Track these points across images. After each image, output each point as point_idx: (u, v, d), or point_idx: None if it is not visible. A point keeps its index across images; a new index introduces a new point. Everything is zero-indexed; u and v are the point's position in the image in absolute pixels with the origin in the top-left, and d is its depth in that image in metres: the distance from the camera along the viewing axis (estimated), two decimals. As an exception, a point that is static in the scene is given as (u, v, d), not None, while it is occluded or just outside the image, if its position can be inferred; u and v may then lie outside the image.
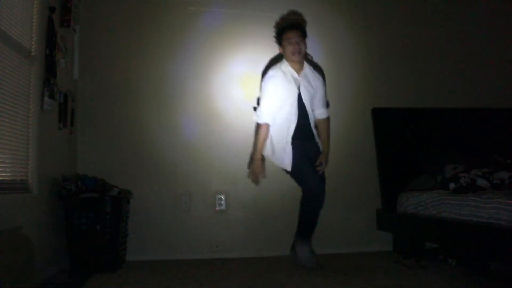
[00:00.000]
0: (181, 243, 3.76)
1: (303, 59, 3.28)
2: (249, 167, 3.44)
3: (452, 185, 3.21)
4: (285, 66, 3.26)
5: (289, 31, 3.20)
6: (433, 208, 3.24)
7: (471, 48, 4.26)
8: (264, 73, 3.47)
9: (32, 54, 2.93)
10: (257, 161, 3.27)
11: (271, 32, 3.91)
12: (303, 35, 3.24)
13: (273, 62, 3.60)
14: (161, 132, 3.82)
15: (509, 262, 2.80)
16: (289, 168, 3.22)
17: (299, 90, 3.24)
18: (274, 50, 3.89)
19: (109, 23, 3.85)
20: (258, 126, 3.32)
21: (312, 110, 3.32)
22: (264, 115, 3.23)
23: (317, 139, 3.36)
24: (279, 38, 3.27)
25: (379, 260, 3.53)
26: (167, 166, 3.80)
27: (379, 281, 2.84)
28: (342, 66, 4.06)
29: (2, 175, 2.58)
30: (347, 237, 3.93)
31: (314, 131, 3.32)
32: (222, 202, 3.81)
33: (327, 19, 4.08)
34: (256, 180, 3.30)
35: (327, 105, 3.52)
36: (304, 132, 3.26)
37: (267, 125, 3.24)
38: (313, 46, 3.97)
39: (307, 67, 3.32)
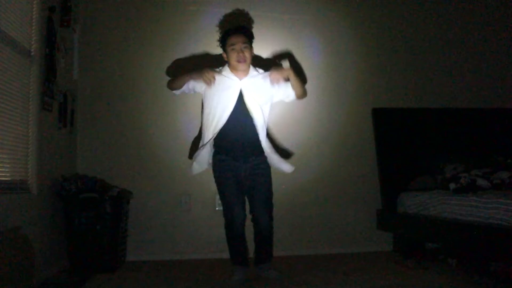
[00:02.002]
0: (181, 243, 3.76)
1: (249, 66, 2.94)
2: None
3: (452, 185, 3.21)
4: (225, 69, 2.96)
5: (234, 36, 2.86)
6: (433, 208, 3.23)
7: (471, 48, 4.25)
8: None
9: (32, 54, 2.93)
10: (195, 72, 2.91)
11: (270, 32, 3.93)
12: (249, 39, 2.91)
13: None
14: (161, 132, 3.82)
15: (509, 262, 2.79)
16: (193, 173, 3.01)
17: (240, 95, 2.89)
18: (274, 50, 3.90)
19: (109, 23, 3.85)
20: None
21: (258, 115, 2.90)
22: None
23: (267, 154, 2.95)
24: (223, 43, 2.93)
25: (379, 260, 3.53)
26: (167, 166, 3.80)
27: (379, 281, 2.84)
28: (342, 66, 4.06)
29: (2, 175, 2.58)
30: (347, 237, 3.93)
31: (263, 144, 2.92)
32: (222, 202, 3.80)
33: (327, 19, 4.08)
34: (211, 77, 2.85)
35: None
36: (247, 146, 2.91)
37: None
38: (313, 46, 3.99)
39: (252, 70, 2.97)
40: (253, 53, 2.96)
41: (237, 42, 2.84)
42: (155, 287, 2.82)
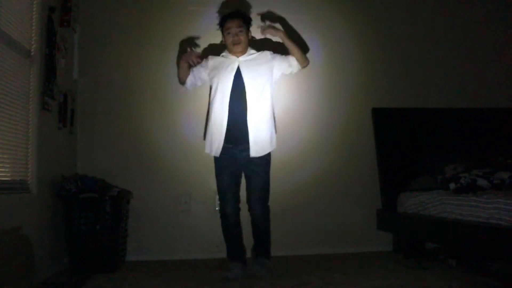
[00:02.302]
0: (181, 243, 3.76)
1: (247, 47, 3.08)
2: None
3: (452, 185, 3.21)
4: (225, 54, 3.12)
5: (230, 21, 3.00)
6: (433, 208, 3.23)
7: (471, 48, 4.26)
8: None
9: (32, 54, 2.93)
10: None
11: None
12: (245, 23, 3.05)
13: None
14: (161, 132, 3.82)
15: (509, 262, 2.80)
16: (217, 154, 3.00)
17: (238, 71, 3.00)
18: (273, 51, 3.90)
19: (109, 23, 3.85)
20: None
21: (261, 88, 2.99)
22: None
23: (251, 141, 2.96)
24: (221, 28, 3.07)
25: (379, 260, 3.53)
26: (167, 166, 3.80)
27: (379, 281, 2.84)
28: (342, 66, 4.06)
29: (2, 175, 2.58)
30: (347, 237, 3.93)
31: (250, 128, 2.94)
32: (222, 202, 3.80)
33: (327, 19, 4.08)
34: (195, 58, 3.08)
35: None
36: (238, 128, 2.95)
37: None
38: (313, 46, 3.99)
39: (251, 51, 3.10)
40: (251, 36, 3.10)
41: (232, 26, 3.00)
42: (155, 287, 2.82)
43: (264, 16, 3.68)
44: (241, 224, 3.11)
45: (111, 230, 3.19)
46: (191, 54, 3.13)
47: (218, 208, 3.21)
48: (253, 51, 3.11)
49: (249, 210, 3.07)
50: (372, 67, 4.12)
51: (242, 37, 3.00)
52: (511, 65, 4.28)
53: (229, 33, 3.00)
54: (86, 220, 3.15)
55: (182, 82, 3.20)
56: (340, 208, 3.94)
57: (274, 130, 3.07)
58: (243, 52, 3.06)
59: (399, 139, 3.92)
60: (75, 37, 3.66)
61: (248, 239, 3.19)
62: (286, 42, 3.03)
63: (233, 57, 3.05)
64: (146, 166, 3.78)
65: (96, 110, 3.79)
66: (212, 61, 3.13)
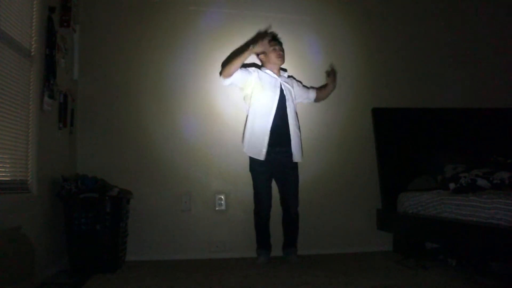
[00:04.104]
0: (181, 243, 3.77)
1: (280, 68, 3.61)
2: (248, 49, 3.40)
3: (452, 185, 3.21)
4: (265, 70, 3.56)
5: (273, 41, 3.55)
6: (433, 208, 3.24)
7: (471, 48, 4.26)
8: None
9: (32, 54, 2.93)
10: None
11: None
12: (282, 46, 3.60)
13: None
14: (161, 132, 3.82)
15: (509, 262, 2.80)
16: (262, 158, 3.41)
17: (280, 88, 3.50)
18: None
19: (109, 23, 3.86)
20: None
21: (294, 107, 3.55)
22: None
23: (293, 148, 3.46)
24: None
25: (379, 260, 3.53)
26: (167, 166, 3.80)
27: (379, 281, 2.84)
28: (342, 66, 4.05)
29: (2, 175, 2.58)
30: (347, 237, 3.93)
31: (292, 127, 3.47)
32: (222, 202, 3.81)
33: (327, 19, 4.08)
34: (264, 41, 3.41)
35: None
36: (280, 136, 3.44)
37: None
38: (313, 46, 3.99)
39: (283, 73, 3.64)
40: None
41: (276, 44, 3.55)
42: (155, 287, 2.82)
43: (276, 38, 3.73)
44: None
45: (111, 230, 3.19)
46: (264, 40, 3.40)
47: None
48: (283, 72, 3.63)
49: (286, 209, 3.53)
50: (372, 67, 4.12)
51: (284, 56, 3.55)
52: (511, 65, 4.28)
53: (275, 50, 3.50)
54: (86, 220, 3.15)
55: (230, 73, 3.38)
56: (340, 208, 3.94)
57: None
58: (279, 72, 3.58)
59: (399, 139, 3.92)
60: (75, 37, 3.65)
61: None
62: (330, 88, 3.71)
63: (275, 76, 3.53)
64: (146, 166, 3.79)
65: (96, 110, 3.79)
66: (257, 73, 3.50)
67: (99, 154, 3.75)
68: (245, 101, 3.57)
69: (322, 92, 3.73)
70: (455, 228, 2.91)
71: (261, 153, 3.40)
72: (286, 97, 3.50)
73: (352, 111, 4.04)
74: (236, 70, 3.39)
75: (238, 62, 3.35)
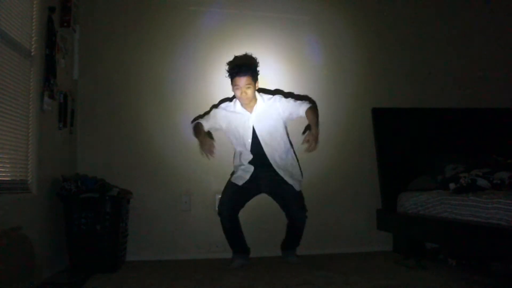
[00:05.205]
0: (181, 243, 3.77)
1: (253, 97, 3.34)
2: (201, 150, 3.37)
3: (452, 185, 3.21)
4: (236, 106, 3.41)
5: (237, 78, 3.26)
6: (433, 208, 3.24)
7: (471, 48, 4.26)
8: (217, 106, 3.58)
9: (32, 54, 2.93)
10: (202, 139, 3.34)
11: (271, 32, 3.93)
12: (253, 77, 3.29)
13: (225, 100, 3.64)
14: (161, 132, 3.82)
15: (509, 262, 2.80)
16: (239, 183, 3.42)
17: (252, 125, 3.36)
18: (273, 51, 3.90)
19: (109, 23, 3.85)
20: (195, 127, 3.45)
21: (270, 141, 3.37)
22: (202, 119, 3.48)
23: (278, 169, 3.36)
24: (231, 78, 3.33)
25: (379, 260, 3.53)
26: (167, 166, 3.80)
27: (379, 281, 2.84)
28: (342, 66, 4.06)
29: (2, 175, 2.58)
30: (347, 237, 3.93)
31: (272, 161, 3.36)
32: (222, 202, 3.81)
33: (327, 19, 4.08)
34: (209, 153, 3.31)
35: (307, 99, 3.55)
36: (259, 159, 3.38)
37: (199, 124, 3.44)
38: (313, 46, 3.99)
39: (260, 100, 3.38)
40: (258, 85, 3.35)
41: (239, 83, 3.26)
42: (155, 287, 2.82)
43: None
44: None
45: (111, 230, 3.19)
46: (209, 150, 3.29)
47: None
48: (261, 100, 3.36)
49: (291, 221, 3.46)
50: (372, 67, 4.12)
51: (250, 92, 3.28)
52: (511, 65, 4.28)
53: (237, 89, 3.27)
54: (86, 220, 3.15)
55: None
56: (340, 208, 3.94)
57: (295, 159, 3.50)
58: (251, 102, 3.35)
59: (399, 139, 3.92)
60: (75, 37, 3.65)
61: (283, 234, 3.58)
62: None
63: (246, 113, 3.36)
64: (146, 166, 3.79)
65: (96, 110, 3.79)
66: (224, 115, 3.42)
67: (99, 154, 3.75)
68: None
69: (308, 119, 3.38)
70: (455, 228, 2.91)
71: (241, 180, 3.40)
72: (259, 135, 3.34)
73: (352, 111, 4.04)
74: (201, 132, 3.37)
75: (195, 134, 3.40)
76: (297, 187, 3.40)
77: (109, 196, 3.20)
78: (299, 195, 3.44)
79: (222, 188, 3.79)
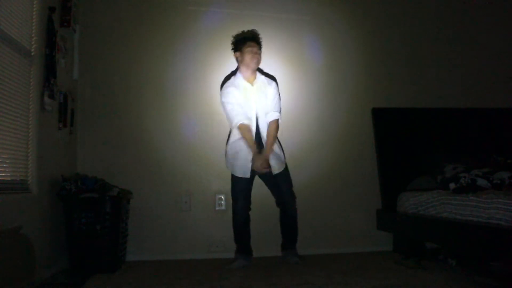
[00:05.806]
0: (181, 243, 3.77)
1: (256, 70, 3.40)
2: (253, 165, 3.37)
3: (452, 185, 3.21)
4: (237, 79, 3.40)
5: (251, 41, 3.37)
6: (433, 208, 3.23)
7: (471, 48, 4.26)
8: (221, 87, 3.49)
9: (32, 54, 2.93)
10: (257, 156, 3.31)
11: (271, 32, 3.92)
12: (260, 48, 3.42)
13: (227, 78, 3.56)
14: (161, 132, 3.83)
15: (509, 262, 2.79)
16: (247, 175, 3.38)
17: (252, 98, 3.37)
18: (273, 51, 3.90)
19: (109, 23, 3.86)
20: (240, 129, 3.35)
21: (265, 115, 3.38)
22: (235, 117, 3.33)
23: (271, 161, 3.36)
24: (241, 45, 3.37)
25: (379, 260, 3.53)
26: (167, 166, 3.80)
27: (379, 281, 2.84)
28: (342, 66, 4.06)
29: (2, 175, 2.58)
30: (347, 237, 3.93)
31: (263, 139, 3.36)
32: (222, 202, 3.81)
33: (327, 19, 4.08)
34: (265, 170, 3.31)
35: (279, 110, 3.43)
36: (256, 139, 3.37)
37: (244, 125, 3.31)
38: (313, 46, 4.00)
39: (259, 77, 3.43)
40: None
41: (254, 45, 3.36)
42: (155, 287, 2.82)
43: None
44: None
45: (111, 230, 3.19)
46: (264, 168, 3.30)
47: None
48: (260, 76, 3.43)
49: (283, 208, 3.46)
50: (372, 67, 4.12)
51: (259, 58, 3.38)
52: (511, 65, 4.28)
53: (251, 51, 3.33)
54: (86, 220, 3.15)
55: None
56: (340, 208, 3.94)
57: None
58: (254, 73, 3.41)
59: (399, 139, 3.92)
60: (75, 37, 3.66)
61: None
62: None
63: (248, 85, 3.37)
64: (146, 166, 3.79)
65: (96, 110, 3.79)
66: (236, 91, 3.37)
67: (99, 154, 3.75)
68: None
69: (267, 132, 3.38)
70: (455, 228, 2.91)
71: (245, 173, 3.35)
72: (257, 108, 3.36)
73: (352, 111, 4.04)
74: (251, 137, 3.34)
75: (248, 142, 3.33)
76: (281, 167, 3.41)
77: (109, 196, 3.20)
78: (288, 175, 3.47)
79: (222, 188, 3.80)
